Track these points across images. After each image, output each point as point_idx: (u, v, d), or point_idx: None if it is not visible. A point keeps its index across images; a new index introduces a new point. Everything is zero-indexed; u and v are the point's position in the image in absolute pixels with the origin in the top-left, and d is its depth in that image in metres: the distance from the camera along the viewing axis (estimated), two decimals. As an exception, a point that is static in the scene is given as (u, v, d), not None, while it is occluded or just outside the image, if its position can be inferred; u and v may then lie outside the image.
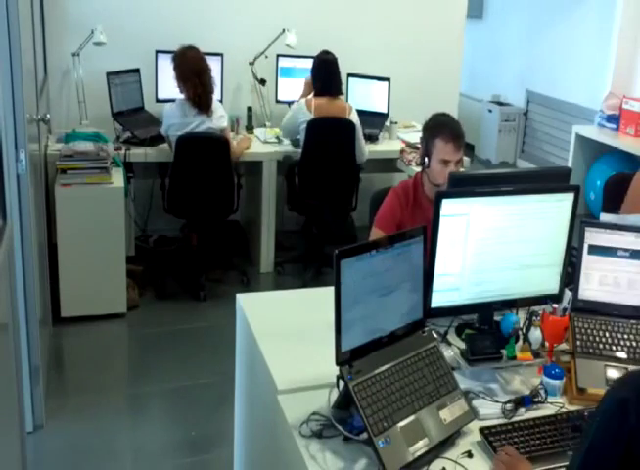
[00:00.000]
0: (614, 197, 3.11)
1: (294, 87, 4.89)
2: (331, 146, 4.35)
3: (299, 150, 4.39)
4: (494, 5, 8.18)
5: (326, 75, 4.39)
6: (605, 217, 2.33)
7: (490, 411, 1.77)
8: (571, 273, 2.13)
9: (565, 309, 2.01)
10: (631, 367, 1.92)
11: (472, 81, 7.92)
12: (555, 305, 1.99)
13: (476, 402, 1.79)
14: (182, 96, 4.14)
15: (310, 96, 4.42)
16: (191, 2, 4.93)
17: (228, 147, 4.19)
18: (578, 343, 2.00)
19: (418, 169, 4.42)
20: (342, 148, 4.39)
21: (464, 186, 2.23)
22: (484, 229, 1.97)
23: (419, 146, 4.63)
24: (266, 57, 4.98)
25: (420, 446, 1.58)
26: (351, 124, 4.34)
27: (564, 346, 2.03)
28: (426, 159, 2.64)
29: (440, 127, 2.63)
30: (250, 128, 4.93)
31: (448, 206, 1.92)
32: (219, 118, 4.23)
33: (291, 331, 2.15)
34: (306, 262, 4.73)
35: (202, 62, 4.16)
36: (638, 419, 1.25)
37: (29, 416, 2.97)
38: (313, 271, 4.64)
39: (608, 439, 1.28)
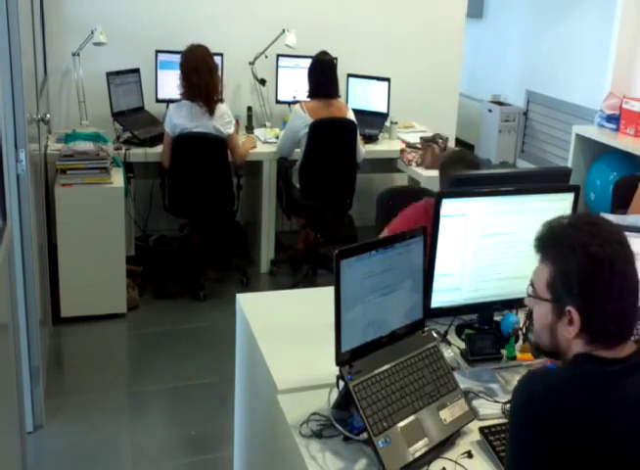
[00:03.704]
0: (622, 198, 3.08)
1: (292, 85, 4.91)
2: (334, 147, 4.31)
3: (298, 150, 4.37)
4: (494, 5, 8.18)
5: (321, 77, 4.29)
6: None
7: (490, 411, 1.77)
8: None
9: (565, 309, 2.01)
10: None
11: (472, 81, 7.92)
12: (555, 305, 1.99)
13: (476, 402, 1.79)
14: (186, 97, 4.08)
15: (304, 100, 4.35)
16: (191, 2, 4.93)
17: (225, 147, 4.16)
18: (578, 343, 1.99)
19: (417, 169, 4.49)
20: (345, 149, 4.36)
21: (464, 186, 2.23)
22: (484, 229, 1.97)
23: (419, 146, 4.66)
24: (266, 57, 4.98)
25: (420, 446, 1.58)
26: (354, 125, 4.32)
27: (564, 346, 2.03)
28: None
29: (456, 163, 2.55)
30: (249, 128, 4.93)
31: (448, 206, 1.91)
32: (226, 124, 4.15)
33: (291, 331, 2.15)
34: (306, 262, 4.73)
35: (207, 60, 4.08)
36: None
37: (29, 416, 2.97)
38: (312, 271, 4.65)
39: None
